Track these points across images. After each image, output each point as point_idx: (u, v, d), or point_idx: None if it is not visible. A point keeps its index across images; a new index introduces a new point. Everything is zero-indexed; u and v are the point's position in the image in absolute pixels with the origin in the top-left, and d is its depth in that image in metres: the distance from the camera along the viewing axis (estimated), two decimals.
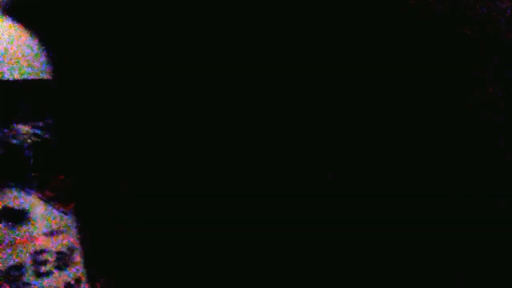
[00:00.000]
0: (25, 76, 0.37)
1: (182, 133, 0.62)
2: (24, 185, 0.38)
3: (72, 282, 0.40)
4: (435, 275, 0.60)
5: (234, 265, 0.61)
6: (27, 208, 0.37)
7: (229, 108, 0.62)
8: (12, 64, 0.37)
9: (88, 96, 0.61)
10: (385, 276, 0.60)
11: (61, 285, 0.39)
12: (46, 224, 0.39)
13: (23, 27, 0.40)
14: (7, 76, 0.36)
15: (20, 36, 0.39)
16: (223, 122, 0.62)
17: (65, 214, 0.41)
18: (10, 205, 0.37)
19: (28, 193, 0.38)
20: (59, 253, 0.40)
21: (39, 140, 0.38)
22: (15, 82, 0.36)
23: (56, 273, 0.39)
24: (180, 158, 0.63)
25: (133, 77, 0.63)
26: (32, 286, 0.37)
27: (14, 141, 0.37)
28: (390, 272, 0.60)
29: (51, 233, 0.39)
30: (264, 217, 0.62)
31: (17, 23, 0.40)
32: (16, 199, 0.37)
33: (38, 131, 0.38)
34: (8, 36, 0.38)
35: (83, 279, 0.41)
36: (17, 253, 0.37)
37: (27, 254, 0.38)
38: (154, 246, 0.62)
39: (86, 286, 0.42)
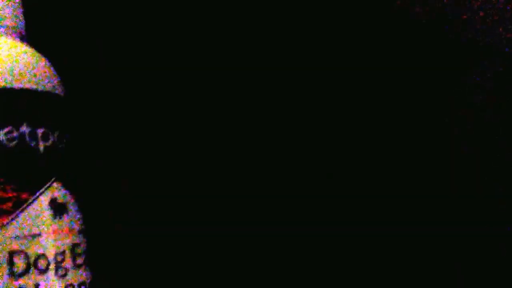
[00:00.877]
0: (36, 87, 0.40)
1: (181, 133, 0.62)
2: (64, 183, 0.40)
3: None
4: (434, 275, 0.61)
5: (233, 265, 0.61)
6: (67, 203, 0.40)
7: (228, 108, 0.62)
8: (27, 75, 0.40)
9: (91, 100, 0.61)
10: (385, 277, 0.61)
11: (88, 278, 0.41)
12: (80, 221, 0.42)
13: (39, 52, 0.43)
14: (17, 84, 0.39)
15: (35, 57, 0.42)
16: (221, 122, 0.62)
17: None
18: (56, 197, 0.39)
19: (68, 191, 0.41)
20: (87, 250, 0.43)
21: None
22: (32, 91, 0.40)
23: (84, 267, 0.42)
24: (180, 158, 0.62)
25: (133, 77, 0.63)
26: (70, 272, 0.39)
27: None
28: (389, 272, 0.61)
29: (83, 231, 0.42)
30: (263, 217, 0.62)
31: (34, 48, 0.43)
32: (60, 193, 0.40)
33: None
34: (26, 57, 0.41)
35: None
36: (60, 240, 0.39)
37: (67, 244, 0.39)
38: (154, 246, 0.61)
39: None
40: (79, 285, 0.39)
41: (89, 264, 0.42)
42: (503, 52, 0.60)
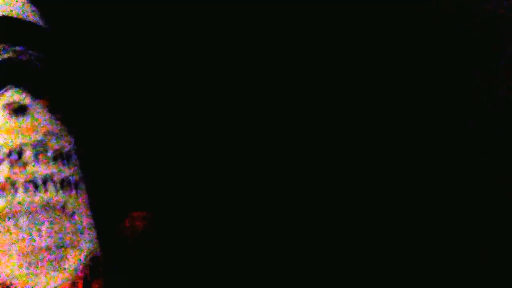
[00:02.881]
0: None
1: (182, 134, 0.62)
2: (26, 88, 0.43)
3: (70, 177, 0.44)
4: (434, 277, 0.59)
5: (234, 268, 0.61)
6: (27, 105, 0.42)
7: (230, 111, 0.61)
8: None
9: None
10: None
11: (57, 176, 0.43)
12: (46, 122, 0.44)
13: None
14: None
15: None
16: (223, 123, 0.61)
17: (60, 120, 0.45)
18: (12, 101, 0.41)
19: (29, 95, 0.43)
20: (58, 150, 0.44)
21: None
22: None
23: (55, 162, 0.43)
24: (180, 159, 0.62)
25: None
26: (33, 169, 0.41)
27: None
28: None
29: (52, 132, 0.44)
30: (265, 220, 0.61)
31: None
32: (19, 98, 0.42)
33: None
34: None
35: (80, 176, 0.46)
36: (20, 137, 0.41)
37: (30, 143, 0.41)
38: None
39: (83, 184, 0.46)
40: (44, 178, 0.42)
41: (63, 161, 0.44)
42: None
